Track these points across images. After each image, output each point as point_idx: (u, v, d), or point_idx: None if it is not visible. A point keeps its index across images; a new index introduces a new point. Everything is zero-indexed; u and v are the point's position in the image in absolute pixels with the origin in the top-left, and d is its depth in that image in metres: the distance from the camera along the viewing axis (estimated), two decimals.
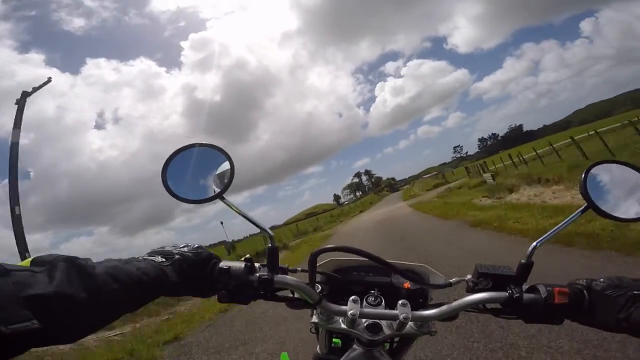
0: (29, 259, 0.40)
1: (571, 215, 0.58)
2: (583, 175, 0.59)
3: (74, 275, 0.39)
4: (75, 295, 0.37)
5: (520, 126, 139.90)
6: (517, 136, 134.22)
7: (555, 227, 0.58)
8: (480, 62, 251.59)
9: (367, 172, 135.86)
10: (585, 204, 0.58)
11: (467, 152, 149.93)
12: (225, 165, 0.64)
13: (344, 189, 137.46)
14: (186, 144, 0.64)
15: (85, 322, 0.39)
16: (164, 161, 0.63)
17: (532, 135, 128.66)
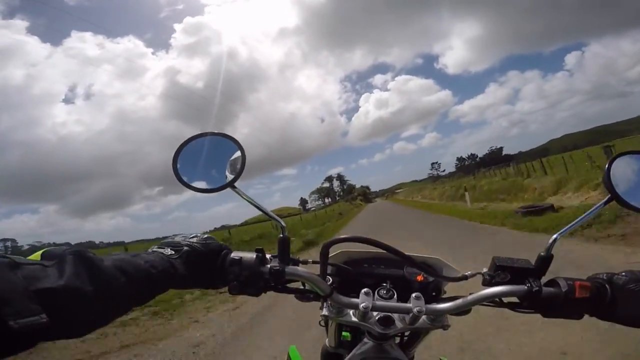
0: (39, 252, 0.39)
1: (594, 207, 0.58)
2: (607, 166, 0.58)
3: (83, 269, 0.38)
4: (84, 289, 0.37)
5: (501, 149, 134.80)
6: (496, 159, 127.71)
7: (578, 219, 0.58)
8: (465, 85, 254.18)
9: (340, 177, 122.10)
10: (609, 195, 0.57)
11: (444, 170, 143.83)
12: (237, 154, 0.63)
13: (312, 192, 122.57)
14: (197, 133, 0.64)
15: (94, 316, 0.39)
16: (175, 150, 0.62)
17: (510, 159, 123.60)
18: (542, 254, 0.56)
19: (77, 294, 0.36)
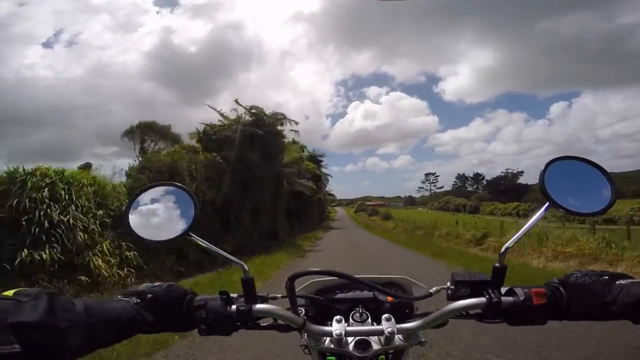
0: (13, 290, 0.43)
1: (536, 215, 0.60)
2: (541, 173, 0.61)
3: (57, 307, 0.42)
4: (57, 325, 0.41)
5: (517, 174, 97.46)
6: (509, 186, 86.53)
7: (523, 228, 0.60)
8: (455, 114, 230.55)
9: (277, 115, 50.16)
10: (547, 203, 0.59)
11: (442, 187, 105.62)
12: (188, 202, 0.66)
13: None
14: (147, 185, 0.68)
15: (66, 350, 0.42)
16: (127, 204, 0.66)
17: (524, 190, 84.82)
18: (496, 265, 0.58)
19: (50, 329, 0.40)
